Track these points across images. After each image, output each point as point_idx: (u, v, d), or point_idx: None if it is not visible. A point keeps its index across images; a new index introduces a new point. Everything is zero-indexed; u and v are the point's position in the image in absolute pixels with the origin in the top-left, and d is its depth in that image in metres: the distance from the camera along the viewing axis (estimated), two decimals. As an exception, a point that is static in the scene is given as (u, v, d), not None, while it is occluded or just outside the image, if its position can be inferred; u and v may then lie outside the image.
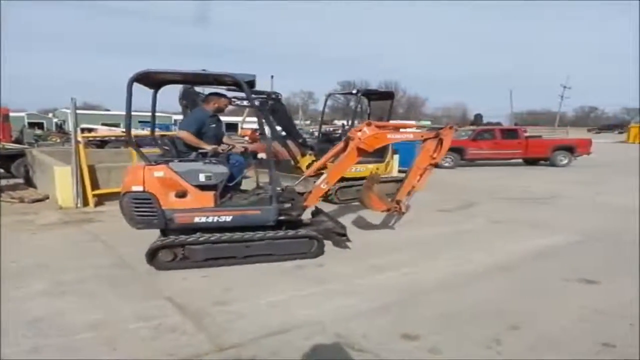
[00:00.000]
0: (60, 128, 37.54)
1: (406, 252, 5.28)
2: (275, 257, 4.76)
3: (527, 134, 17.52)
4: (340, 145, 5.71)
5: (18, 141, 16.84)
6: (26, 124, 32.54)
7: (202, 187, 4.56)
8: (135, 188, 4.43)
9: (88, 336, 3.12)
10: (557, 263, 4.91)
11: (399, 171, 11.15)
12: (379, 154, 8.89)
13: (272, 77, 28.79)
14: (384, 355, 2.90)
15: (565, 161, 16.76)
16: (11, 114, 18.81)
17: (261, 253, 4.71)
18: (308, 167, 8.26)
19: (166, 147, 5.10)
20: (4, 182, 10.42)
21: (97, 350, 2.93)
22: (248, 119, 30.69)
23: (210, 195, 4.58)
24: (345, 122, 21.37)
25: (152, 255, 4.47)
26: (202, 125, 4.99)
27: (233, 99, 7.07)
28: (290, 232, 4.86)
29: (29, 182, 10.43)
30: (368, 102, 9.53)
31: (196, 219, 4.55)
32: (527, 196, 9.70)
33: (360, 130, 5.47)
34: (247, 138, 12.20)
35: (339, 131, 10.91)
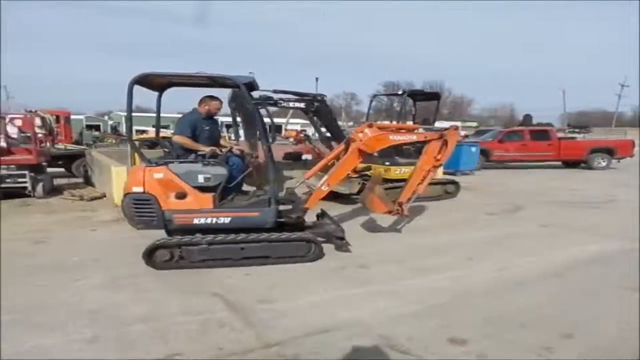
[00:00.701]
0: (115, 130, 39.47)
1: (451, 254, 5.18)
2: (272, 259, 4.69)
3: (561, 135, 16.75)
4: (342, 146, 5.62)
5: (77, 142, 17.84)
6: (84, 126, 34.43)
7: (201, 189, 4.60)
8: (135, 189, 4.51)
9: (140, 328, 3.28)
10: (611, 270, 4.67)
11: (444, 173, 10.97)
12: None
13: (316, 79, 29.02)
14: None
15: (604, 164, 15.90)
16: (71, 117, 19.98)
17: (257, 255, 4.65)
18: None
19: (166, 149, 5.23)
20: (65, 180, 11.09)
21: (150, 342, 3.07)
22: (292, 120, 31.04)
23: (209, 196, 4.60)
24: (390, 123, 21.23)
25: (149, 255, 4.53)
26: (196, 127, 5.06)
27: (279, 101, 7.21)
28: (287, 235, 4.76)
29: (87, 181, 11.04)
30: (413, 103, 9.43)
31: (195, 220, 4.58)
32: (576, 199, 9.28)
33: (361, 132, 5.39)
34: (291, 139, 12.30)
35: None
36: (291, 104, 7.49)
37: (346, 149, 5.41)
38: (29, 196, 8.82)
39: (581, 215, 7.64)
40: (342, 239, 5.18)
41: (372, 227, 6.67)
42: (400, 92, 8.86)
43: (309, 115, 7.75)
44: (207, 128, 5.18)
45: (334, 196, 8.46)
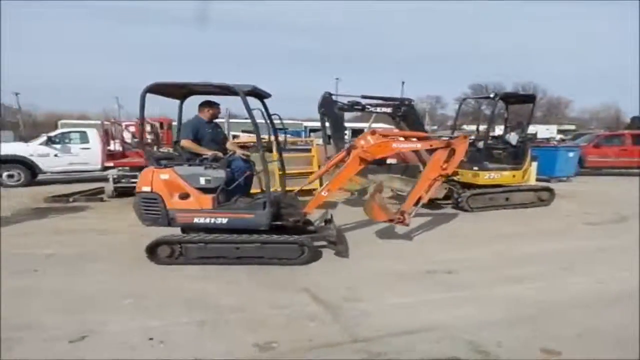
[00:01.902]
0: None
1: (544, 264, 4.94)
2: (264, 260, 4.83)
3: None
4: (343, 153, 5.59)
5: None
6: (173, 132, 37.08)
7: (203, 190, 4.85)
8: (144, 189, 4.87)
9: (234, 317, 3.57)
10: None
11: (537, 180, 10.37)
12: (518, 161, 8.42)
13: (402, 83, 28.73)
14: (520, 367, 2.82)
15: None
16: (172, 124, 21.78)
17: (250, 255, 4.82)
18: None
19: (177, 153, 5.50)
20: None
21: (246, 330, 3.34)
22: (379, 125, 31.10)
23: (209, 197, 4.84)
24: (477, 127, 20.44)
25: (151, 251, 4.85)
26: (198, 131, 5.30)
27: (367, 106, 7.36)
28: (281, 237, 4.89)
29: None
30: (506, 106, 9.07)
31: (195, 220, 4.86)
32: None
33: (364, 139, 5.32)
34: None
35: (472, 137, 10.52)
36: (378, 109, 7.60)
37: (348, 156, 5.44)
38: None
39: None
40: (335, 244, 5.19)
41: (459, 233, 6.54)
42: (491, 95, 8.57)
43: (395, 120, 7.80)
44: (209, 131, 5.43)
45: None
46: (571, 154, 12.71)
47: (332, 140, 7.54)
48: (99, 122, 13.72)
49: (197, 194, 4.84)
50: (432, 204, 8.41)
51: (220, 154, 5.19)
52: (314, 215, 5.86)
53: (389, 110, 7.65)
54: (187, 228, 5.06)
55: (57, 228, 6.70)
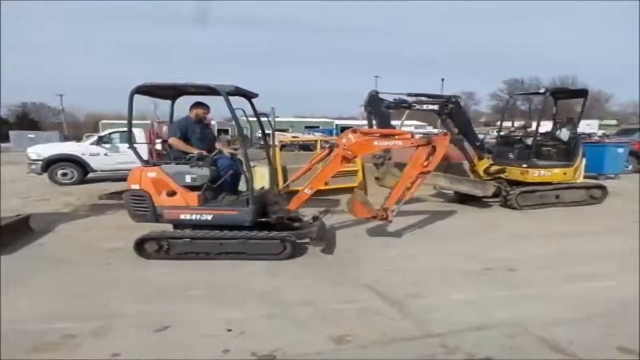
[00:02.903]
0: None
1: (608, 262, 4.87)
2: (247, 255, 4.94)
3: None
4: (326, 151, 5.66)
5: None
6: (215, 130, 37.86)
7: (189, 188, 5.02)
8: (133, 186, 5.07)
9: (304, 310, 3.68)
10: None
11: (585, 177, 10.09)
12: (569, 158, 8.24)
13: (442, 80, 28.43)
14: (599, 365, 2.82)
15: None
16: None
17: (234, 251, 4.94)
18: (485, 170, 8.10)
19: (165, 152, 5.58)
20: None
21: (318, 323, 3.45)
22: (409, 122, 30.84)
23: (195, 195, 5.00)
24: (512, 123, 20.02)
25: (139, 246, 5.01)
26: (186, 131, 5.42)
27: (413, 104, 7.36)
28: (263, 234, 4.99)
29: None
30: (554, 101, 8.87)
31: (181, 216, 5.03)
32: None
33: (345, 137, 5.39)
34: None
35: (518, 133, 10.34)
36: (424, 107, 7.58)
37: (329, 154, 5.52)
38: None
39: None
40: (314, 239, 5.23)
41: (511, 231, 6.48)
42: (542, 91, 8.39)
43: (441, 117, 7.76)
44: (197, 131, 5.54)
45: (467, 198, 8.37)
46: (620, 150, 12.28)
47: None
48: (140, 122, 14.17)
49: (183, 191, 5.03)
50: (479, 201, 8.36)
51: (205, 153, 5.31)
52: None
53: (435, 107, 7.61)
54: (178, 224, 5.20)
55: (117, 224, 7.00)
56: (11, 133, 39.75)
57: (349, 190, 9.33)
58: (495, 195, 8.11)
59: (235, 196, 5.34)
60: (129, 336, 3.24)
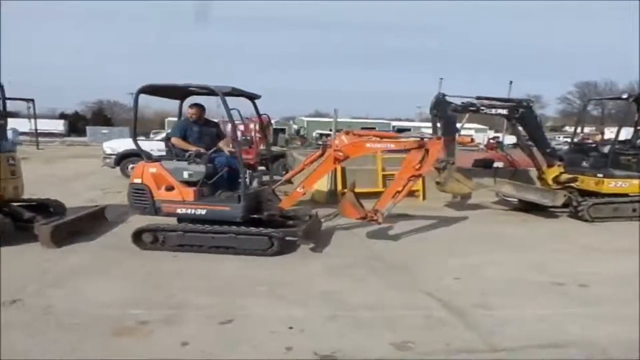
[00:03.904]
0: (297, 133, 43.36)
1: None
2: (237, 250, 5.08)
3: None
4: (319, 152, 5.83)
5: (273, 144, 20.23)
6: (271, 130, 38.65)
7: (186, 183, 5.25)
8: (136, 180, 5.37)
9: (368, 314, 3.66)
10: None
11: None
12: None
13: (510, 82, 27.20)
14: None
15: None
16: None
17: (225, 245, 5.10)
18: (555, 179, 7.69)
19: (167, 148, 5.91)
20: (267, 178, 12.71)
21: (381, 327, 3.42)
22: (470, 125, 29.92)
23: (191, 190, 5.22)
24: (582, 129, 18.72)
25: (136, 237, 5.21)
26: (185, 131, 5.77)
27: (481, 108, 7.13)
28: (252, 230, 5.12)
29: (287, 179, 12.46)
30: (637, 107, 8.26)
31: (178, 210, 5.27)
32: None
33: (338, 139, 5.46)
34: (485, 146, 11.92)
35: (593, 141, 9.70)
36: (493, 111, 7.32)
37: (322, 155, 5.66)
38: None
39: None
40: (300, 237, 5.24)
41: (581, 244, 6.11)
42: (624, 96, 7.81)
43: (511, 122, 7.47)
44: (195, 130, 5.84)
45: (531, 207, 8.00)
46: None
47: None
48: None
49: (180, 187, 5.26)
50: (546, 211, 7.94)
51: (203, 151, 5.51)
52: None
53: (504, 112, 7.33)
54: (179, 218, 5.44)
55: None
56: (88, 128, 42.78)
57: (409, 193, 9.22)
58: (564, 205, 7.67)
59: (231, 193, 5.51)
60: (197, 326, 3.38)
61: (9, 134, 6.77)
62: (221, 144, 5.95)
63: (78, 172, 14.16)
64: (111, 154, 12.87)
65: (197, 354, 2.99)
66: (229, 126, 12.02)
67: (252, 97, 6.02)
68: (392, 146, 6.02)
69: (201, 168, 5.32)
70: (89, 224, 6.19)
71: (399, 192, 5.66)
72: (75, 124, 53.67)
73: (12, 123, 7.18)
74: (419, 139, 5.92)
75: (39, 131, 27.74)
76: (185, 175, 5.31)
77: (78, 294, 3.96)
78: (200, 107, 6.02)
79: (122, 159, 12.74)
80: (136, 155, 13.12)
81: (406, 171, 5.70)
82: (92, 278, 4.40)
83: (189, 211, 5.29)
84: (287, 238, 5.25)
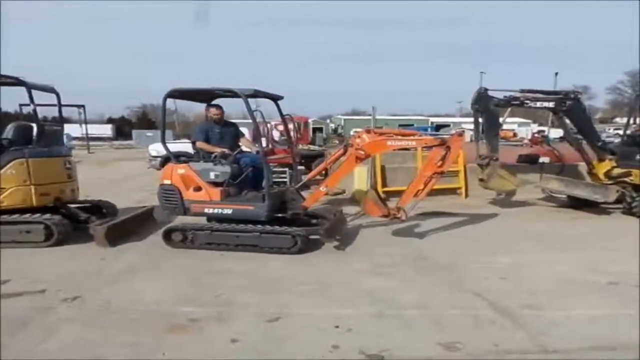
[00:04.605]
0: (334, 131, 43.51)
1: None
2: (260, 248, 5.19)
3: None
4: (341, 150, 5.83)
5: (312, 143, 20.35)
6: (310, 129, 38.88)
7: (213, 184, 5.40)
8: (165, 182, 5.58)
9: (415, 313, 3.65)
10: None
11: None
12: None
13: (556, 74, 26.20)
14: None
15: None
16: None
17: (249, 244, 5.21)
18: (606, 173, 7.36)
19: (195, 151, 6.03)
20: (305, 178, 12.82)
21: (428, 327, 3.40)
22: (512, 119, 29.03)
23: (217, 190, 5.39)
24: (635, 120, 17.73)
25: (167, 236, 5.41)
26: (207, 133, 5.90)
27: (525, 101, 6.92)
28: (276, 228, 5.22)
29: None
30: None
31: (206, 210, 5.45)
32: None
33: (359, 137, 5.50)
34: (530, 141, 11.59)
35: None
36: (538, 104, 7.09)
37: (344, 153, 5.66)
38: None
39: None
40: (322, 236, 5.27)
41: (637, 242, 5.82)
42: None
43: (557, 115, 7.21)
44: (217, 131, 5.97)
45: (581, 204, 7.69)
46: None
47: (485, 137, 7.22)
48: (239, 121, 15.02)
49: (207, 187, 5.44)
50: (596, 208, 7.62)
51: (227, 151, 5.66)
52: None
53: (550, 104, 7.09)
54: (208, 218, 5.60)
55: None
56: (133, 132, 44.48)
57: (451, 191, 9.09)
58: (617, 201, 7.33)
59: (256, 192, 5.64)
60: (245, 324, 3.46)
61: (64, 139, 7.16)
62: (245, 143, 6.21)
63: (126, 174, 14.81)
64: (156, 156, 13.38)
65: (247, 351, 3.08)
66: (261, 127, 12.25)
67: (274, 98, 6.13)
68: (413, 144, 6.08)
69: (227, 168, 5.50)
70: (139, 224, 6.46)
71: (421, 190, 5.68)
72: (122, 128, 56.04)
73: (65, 128, 7.63)
74: (446, 136, 6.04)
75: (89, 136, 29.30)
76: (212, 175, 5.50)
77: (132, 291, 4.15)
78: (221, 108, 6.19)
79: (167, 161, 13.20)
80: (182, 156, 13.60)
81: (428, 168, 5.73)
82: (144, 276, 4.60)
83: (216, 211, 5.46)
84: (310, 236, 5.31)
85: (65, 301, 3.88)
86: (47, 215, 5.51)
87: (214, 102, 6.22)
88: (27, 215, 5.48)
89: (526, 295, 4.00)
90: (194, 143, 6.19)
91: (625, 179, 7.41)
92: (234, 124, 6.59)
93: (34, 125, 5.86)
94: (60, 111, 6.65)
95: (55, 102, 6.36)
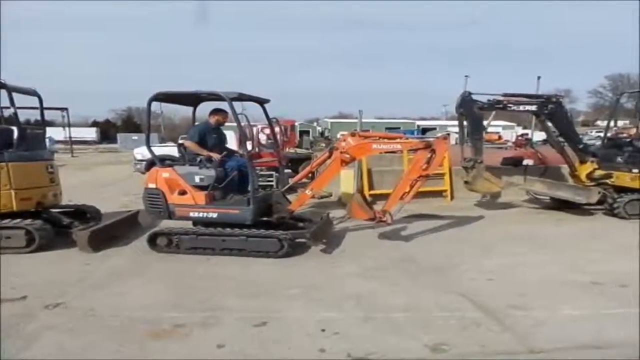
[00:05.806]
0: (321, 135, 43.49)
1: None
2: (246, 252, 5.13)
3: None
4: (327, 153, 5.86)
5: (298, 147, 20.34)
6: (297, 132, 38.91)
7: (198, 187, 5.36)
8: (150, 185, 5.50)
9: (402, 316, 3.65)
10: None
11: None
12: None
13: (538, 78, 26.64)
14: None
15: None
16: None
17: (235, 248, 5.15)
18: (588, 175, 7.49)
19: (181, 153, 5.97)
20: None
21: (415, 329, 3.40)
22: (497, 122, 29.37)
23: (202, 194, 5.32)
24: (615, 123, 18.12)
25: (152, 240, 5.33)
26: (204, 135, 5.78)
27: (508, 104, 7.01)
28: (262, 232, 5.16)
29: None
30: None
31: (191, 214, 5.38)
32: None
33: (344, 141, 5.50)
34: (514, 143, 11.74)
35: (627, 135, 9.41)
36: (521, 107, 7.19)
37: (330, 157, 5.69)
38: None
39: None
40: (308, 239, 5.28)
41: (620, 242, 5.93)
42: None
43: (540, 119, 7.32)
44: (215, 136, 5.91)
45: (563, 205, 7.81)
46: None
47: (470, 140, 7.30)
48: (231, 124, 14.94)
49: (192, 191, 5.38)
50: (578, 209, 7.74)
51: (214, 155, 5.60)
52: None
53: (533, 108, 7.19)
54: (193, 222, 5.56)
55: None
56: (118, 135, 43.94)
57: (437, 193, 9.14)
58: (599, 202, 7.46)
59: (241, 196, 5.58)
60: (231, 329, 3.43)
61: (47, 143, 7.03)
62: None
63: (111, 178, 14.60)
64: (142, 160, 13.23)
65: (233, 356, 3.04)
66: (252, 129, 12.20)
67: (261, 102, 6.10)
68: (399, 147, 6.13)
69: (212, 172, 5.46)
70: (124, 228, 6.37)
71: (407, 192, 5.65)
72: (107, 132, 55.35)
73: (47, 132, 7.49)
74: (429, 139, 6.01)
75: (72, 139, 28.87)
76: (197, 179, 5.45)
77: (117, 297, 4.09)
78: (226, 113, 6.11)
79: (152, 165, 13.07)
80: (167, 160, 13.49)
81: (413, 172, 5.72)
82: (129, 281, 4.53)
83: (201, 215, 5.40)
84: (297, 240, 5.31)
85: (47, 308, 3.80)
86: (29, 221, 5.40)
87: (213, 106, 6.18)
88: (8, 220, 5.36)
89: (512, 296, 4.04)
90: (181, 144, 6.12)
91: (607, 181, 7.56)
92: (222, 130, 6.57)
93: (15, 129, 5.73)
94: (42, 114, 6.52)
95: (37, 104, 6.24)
